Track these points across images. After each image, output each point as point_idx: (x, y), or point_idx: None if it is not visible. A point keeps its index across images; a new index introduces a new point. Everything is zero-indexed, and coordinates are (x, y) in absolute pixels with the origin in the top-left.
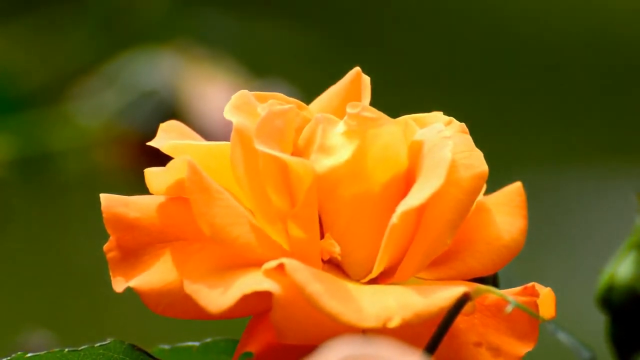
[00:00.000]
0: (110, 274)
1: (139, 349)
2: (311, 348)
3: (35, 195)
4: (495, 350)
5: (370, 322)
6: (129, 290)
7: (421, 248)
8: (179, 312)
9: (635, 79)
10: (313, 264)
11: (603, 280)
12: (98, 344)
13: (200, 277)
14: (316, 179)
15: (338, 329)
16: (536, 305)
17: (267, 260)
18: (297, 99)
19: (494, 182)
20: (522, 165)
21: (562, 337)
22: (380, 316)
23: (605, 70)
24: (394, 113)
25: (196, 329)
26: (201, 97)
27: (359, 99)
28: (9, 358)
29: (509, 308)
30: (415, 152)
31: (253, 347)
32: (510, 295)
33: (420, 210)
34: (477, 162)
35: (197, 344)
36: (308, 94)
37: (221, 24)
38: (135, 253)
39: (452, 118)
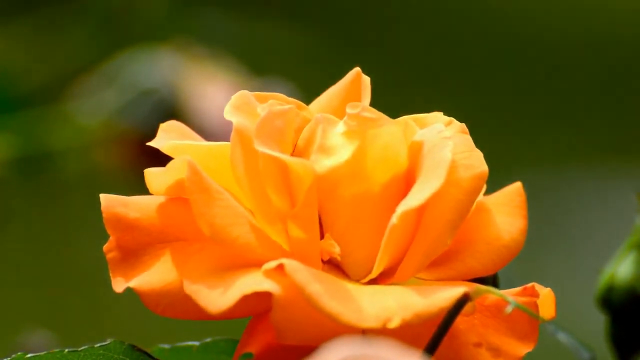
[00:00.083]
0: (110, 274)
1: (139, 349)
2: (311, 348)
3: (35, 194)
4: (495, 351)
5: (370, 323)
6: (129, 290)
7: (421, 248)
8: (178, 312)
9: (635, 79)
10: (313, 265)
11: (603, 280)
12: (98, 345)
13: (200, 277)
14: (316, 179)
15: (338, 329)
16: (536, 306)
17: (267, 260)
18: (297, 99)
19: (494, 182)
20: (522, 165)
21: (562, 337)
22: (380, 316)
23: (605, 70)
24: (394, 113)
25: (196, 329)
26: (201, 96)
27: (359, 99)
28: (9, 358)
29: (509, 308)
30: (415, 152)
31: (253, 348)
32: (510, 295)
33: (420, 211)
34: (477, 163)
35: (197, 344)
36: (308, 94)
37: (221, 24)
38: (135, 253)
39: (452, 118)
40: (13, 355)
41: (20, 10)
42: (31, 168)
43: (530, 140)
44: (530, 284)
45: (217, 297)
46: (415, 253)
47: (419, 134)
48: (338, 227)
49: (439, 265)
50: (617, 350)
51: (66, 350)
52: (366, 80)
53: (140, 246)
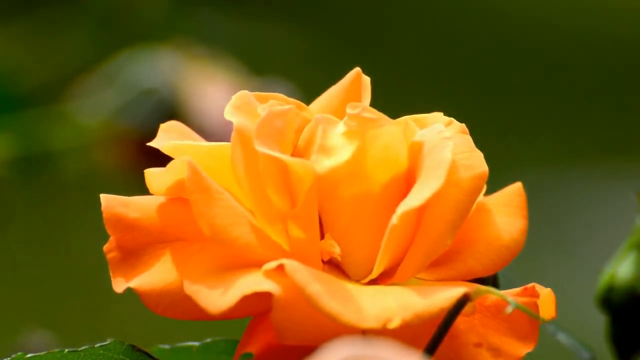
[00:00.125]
0: (110, 274)
1: (139, 350)
2: (311, 349)
3: (35, 194)
4: (496, 351)
5: (370, 323)
6: (129, 290)
7: (421, 248)
8: (179, 312)
9: (635, 79)
10: (313, 265)
11: (603, 280)
12: (98, 345)
13: (200, 277)
14: (316, 180)
15: (338, 329)
16: (536, 306)
17: (267, 260)
18: (297, 99)
19: (494, 183)
20: (522, 165)
21: (562, 337)
22: (380, 317)
23: (605, 70)
24: (394, 113)
25: (196, 329)
26: (201, 96)
27: (359, 99)
28: (9, 358)
29: (509, 309)
30: (416, 152)
31: (253, 348)
32: (510, 295)
33: (421, 211)
34: (477, 163)
35: (197, 344)
36: (308, 94)
37: (221, 24)
38: (135, 253)
39: (452, 119)
40: (13, 355)
41: (20, 10)
42: (31, 168)
43: (530, 140)
44: (530, 284)
45: (218, 297)
46: (415, 253)
47: (419, 134)
48: (338, 227)
49: (439, 266)
50: (617, 350)
51: (66, 350)
52: (366, 80)
53: (140, 246)
